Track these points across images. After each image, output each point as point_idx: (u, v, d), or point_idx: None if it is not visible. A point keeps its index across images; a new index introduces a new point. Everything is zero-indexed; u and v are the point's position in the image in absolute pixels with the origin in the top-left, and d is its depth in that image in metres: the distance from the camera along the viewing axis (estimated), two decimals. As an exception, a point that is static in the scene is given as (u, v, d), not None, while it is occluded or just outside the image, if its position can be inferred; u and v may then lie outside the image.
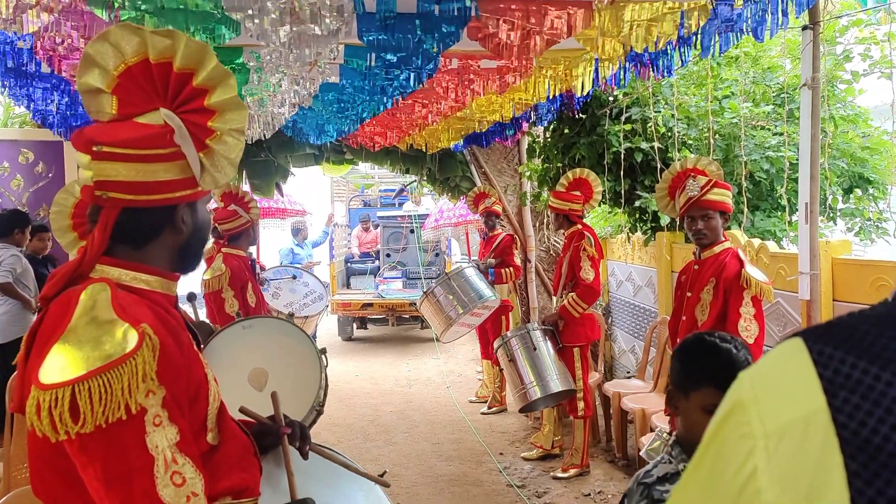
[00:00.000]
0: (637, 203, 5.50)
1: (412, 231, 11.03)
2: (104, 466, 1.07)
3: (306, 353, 2.81)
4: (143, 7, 2.66)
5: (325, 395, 2.78)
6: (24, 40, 3.48)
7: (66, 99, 4.42)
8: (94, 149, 1.19)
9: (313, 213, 10.45)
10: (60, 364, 1.07)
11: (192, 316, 3.47)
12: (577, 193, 4.79)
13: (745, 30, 3.18)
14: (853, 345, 0.52)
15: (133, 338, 1.10)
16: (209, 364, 1.31)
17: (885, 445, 0.47)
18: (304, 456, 1.62)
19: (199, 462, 1.16)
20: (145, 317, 1.15)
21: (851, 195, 5.13)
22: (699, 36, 3.33)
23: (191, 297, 3.43)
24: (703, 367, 1.71)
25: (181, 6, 2.72)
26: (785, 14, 2.92)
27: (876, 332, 0.52)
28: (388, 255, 11.21)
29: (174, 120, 1.22)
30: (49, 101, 4.42)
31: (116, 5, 2.62)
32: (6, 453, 3.11)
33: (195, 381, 1.23)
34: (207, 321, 3.61)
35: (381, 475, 1.76)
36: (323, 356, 2.81)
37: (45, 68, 3.69)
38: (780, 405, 0.52)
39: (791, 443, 0.50)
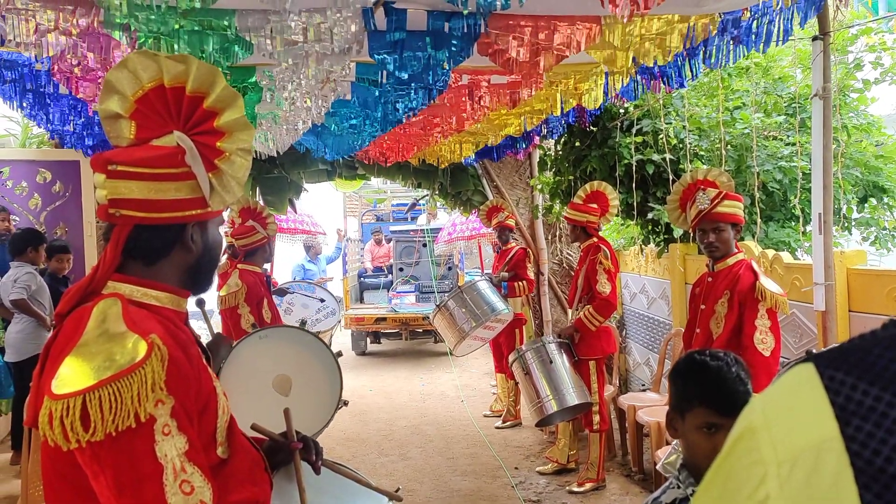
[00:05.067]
0: (650, 215, 5.49)
1: (425, 245, 11.04)
2: (115, 475, 1.10)
3: (323, 356, 3.01)
4: (159, 29, 2.71)
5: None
6: (42, 62, 3.55)
7: (83, 119, 4.49)
8: (109, 168, 1.24)
9: (326, 234, 10.42)
10: (72, 375, 1.10)
11: (205, 321, 3.50)
12: (594, 206, 4.78)
13: (752, 42, 3.18)
14: (865, 369, 0.50)
15: (142, 348, 1.13)
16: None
17: None
18: (317, 471, 1.63)
19: (209, 472, 1.18)
20: (155, 329, 1.18)
21: (866, 204, 5.08)
22: (707, 48, 3.33)
23: (200, 304, 3.44)
24: (693, 387, 1.69)
25: (196, 28, 2.77)
26: (789, 26, 2.92)
27: (889, 356, 0.50)
28: (400, 270, 11.21)
29: (186, 141, 1.26)
30: (66, 122, 4.50)
31: (133, 28, 2.67)
32: (24, 470, 3.14)
33: (204, 393, 1.25)
34: (221, 333, 3.66)
35: (396, 492, 1.76)
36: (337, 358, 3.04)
37: (62, 90, 3.77)
38: (792, 432, 0.51)
39: (804, 470, 0.49)
